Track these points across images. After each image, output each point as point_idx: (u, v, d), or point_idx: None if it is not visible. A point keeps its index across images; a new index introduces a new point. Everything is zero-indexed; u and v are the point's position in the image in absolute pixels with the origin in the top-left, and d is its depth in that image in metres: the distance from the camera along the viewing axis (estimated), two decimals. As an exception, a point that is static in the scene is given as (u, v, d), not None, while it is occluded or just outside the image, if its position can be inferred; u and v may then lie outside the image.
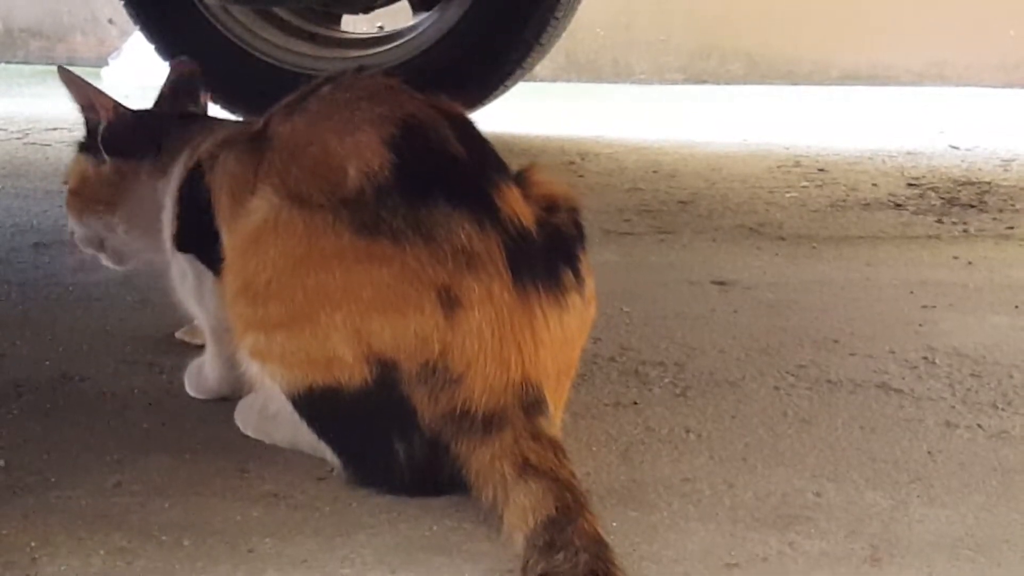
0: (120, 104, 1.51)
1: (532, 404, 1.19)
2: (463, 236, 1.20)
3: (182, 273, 1.44)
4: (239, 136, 1.38)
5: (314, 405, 1.24)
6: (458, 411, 1.18)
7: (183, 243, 1.43)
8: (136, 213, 1.50)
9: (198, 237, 1.39)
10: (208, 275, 1.40)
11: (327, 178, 1.24)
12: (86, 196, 1.53)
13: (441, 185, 1.22)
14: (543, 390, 1.21)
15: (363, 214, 1.21)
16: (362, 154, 1.24)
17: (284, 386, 1.25)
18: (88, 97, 1.51)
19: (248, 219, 1.27)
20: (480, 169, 1.27)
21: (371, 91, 1.32)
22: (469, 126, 1.32)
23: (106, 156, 1.49)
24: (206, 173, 1.38)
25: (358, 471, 1.25)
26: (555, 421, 1.24)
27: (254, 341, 1.26)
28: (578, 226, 1.32)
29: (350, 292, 1.19)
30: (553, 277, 1.24)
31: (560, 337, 1.23)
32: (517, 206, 1.24)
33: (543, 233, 1.26)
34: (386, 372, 1.19)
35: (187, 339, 1.66)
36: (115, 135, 1.49)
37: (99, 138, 1.49)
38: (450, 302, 1.18)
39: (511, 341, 1.19)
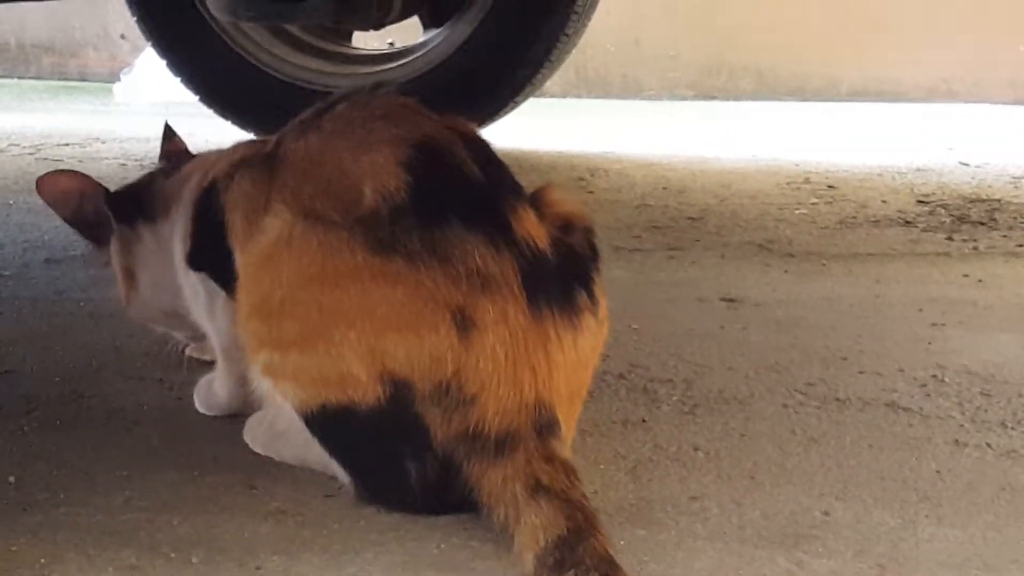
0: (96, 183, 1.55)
1: (545, 426, 1.19)
2: (478, 258, 1.20)
3: (194, 291, 1.45)
4: (253, 157, 1.39)
5: (327, 423, 1.24)
6: (471, 432, 1.18)
7: (196, 262, 1.44)
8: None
9: (211, 256, 1.39)
10: (220, 294, 1.40)
11: (342, 197, 1.24)
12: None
13: (456, 207, 1.22)
14: (556, 412, 1.20)
15: (378, 233, 1.21)
16: (378, 175, 1.24)
17: (297, 404, 1.25)
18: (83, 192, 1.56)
19: (262, 237, 1.27)
20: (495, 191, 1.27)
21: (387, 111, 1.33)
22: (485, 147, 1.32)
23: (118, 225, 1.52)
24: (220, 193, 1.38)
25: (369, 490, 1.25)
26: (567, 442, 1.23)
27: (267, 359, 1.26)
28: (592, 247, 1.32)
29: (364, 310, 1.19)
30: (568, 299, 1.24)
31: (574, 359, 1.23)
32: (532, 228, 1.25)
33: (558, 254, 1.26)
34: (400, 391, 1.19)
35: (197, 355, 1.66)
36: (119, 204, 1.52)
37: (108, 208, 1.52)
38: (464, 323, 1.18)
39: (525, 363, 1.19)
